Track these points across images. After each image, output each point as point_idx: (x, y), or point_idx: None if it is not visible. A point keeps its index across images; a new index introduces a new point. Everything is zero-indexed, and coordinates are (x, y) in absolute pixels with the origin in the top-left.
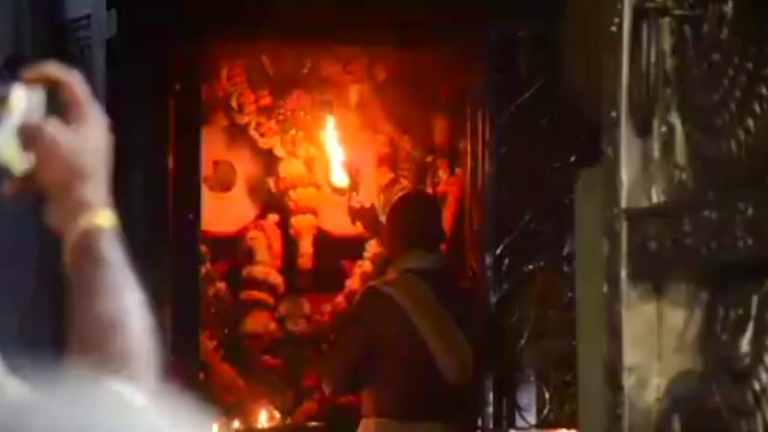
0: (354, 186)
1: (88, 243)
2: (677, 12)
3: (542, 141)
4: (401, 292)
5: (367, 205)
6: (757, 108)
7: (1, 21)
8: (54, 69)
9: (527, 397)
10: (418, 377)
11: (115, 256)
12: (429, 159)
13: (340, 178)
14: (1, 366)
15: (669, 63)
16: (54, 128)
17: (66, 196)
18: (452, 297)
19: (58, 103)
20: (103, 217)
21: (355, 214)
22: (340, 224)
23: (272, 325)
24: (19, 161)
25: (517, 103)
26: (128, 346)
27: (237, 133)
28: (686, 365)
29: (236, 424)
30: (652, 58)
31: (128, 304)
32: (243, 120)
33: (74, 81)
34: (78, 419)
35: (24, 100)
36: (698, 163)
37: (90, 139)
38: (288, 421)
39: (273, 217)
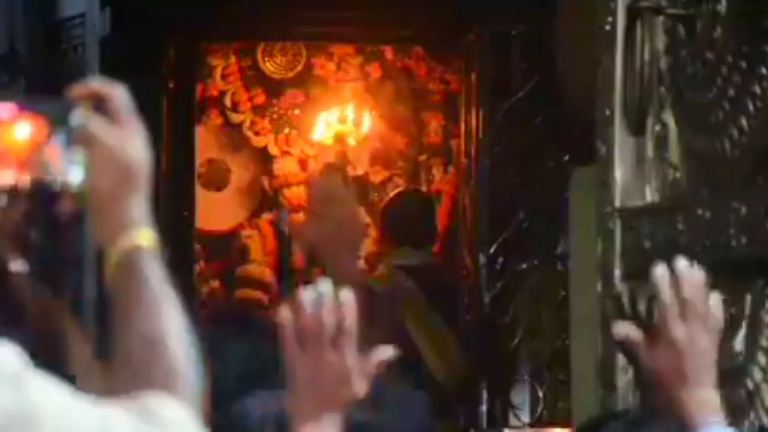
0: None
1: (130, 263)
2: (671, 11)
3: (536, 140)
4: (388, 289)
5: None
6: (751, 107)
7: None
8: (100, 84)
9: (521, 396)
10: (407, 377)
11: (156, 277)
12: (422, 158)
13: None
14: (26, 362)
15: (663, 62)
16: (109, 137)
17: (112, 210)
18: (440, 294)
19: (103, 118)
20: (145, 237)
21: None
22: None
23: None
24: (75, 175)
25: (510, 102)
26: (170, 366)
27: (231, 132)
28: None
29: None
30: (646, 57)
31: (169, 323)
32: (237, 118)
33: (119, 96)
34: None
35: (74, 116)
36: (692, 161)
37: (136, 153)
38: None
39: (267, 216)
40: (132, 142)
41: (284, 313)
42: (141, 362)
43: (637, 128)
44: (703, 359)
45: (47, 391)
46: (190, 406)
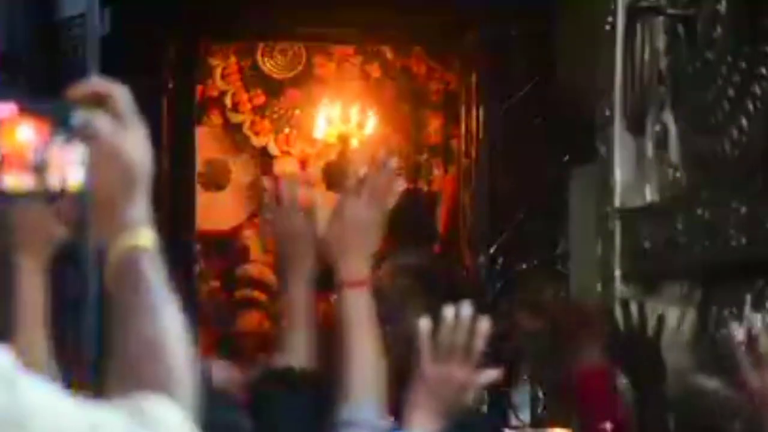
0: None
1: (129, 264)
2: (671, 11)
3: (535, 140)
4: (389, 289)
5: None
6: (751, 107)
7: None
8: (100, 84)
9: (521, 396)
10: (410, 377)
11: (155, 278)
12: (422, 157)
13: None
14: (16, 362)
15: (663, 62)
16: (111, 136)
17: (112, 210)
18: (441, 294)
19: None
20: (145, 237)
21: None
22: None
23: (267, 324)
24: (75, 175)
25: (510, 102)
26: (167, 368)
27: (231, 132)
28: (680, 364)
29: None
30: (646, 57)
31: (168, 324)
32: (237, 119)
33: (120, 95)
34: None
35: (75, 115)
36: (692, 161)
37: (137, 153)
38: None
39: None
40: (134, 142)
41: (424, 325)
42: (139, 363)
43: (637, 128)
44: None
45: (39, 394)
46: (187, 408)
